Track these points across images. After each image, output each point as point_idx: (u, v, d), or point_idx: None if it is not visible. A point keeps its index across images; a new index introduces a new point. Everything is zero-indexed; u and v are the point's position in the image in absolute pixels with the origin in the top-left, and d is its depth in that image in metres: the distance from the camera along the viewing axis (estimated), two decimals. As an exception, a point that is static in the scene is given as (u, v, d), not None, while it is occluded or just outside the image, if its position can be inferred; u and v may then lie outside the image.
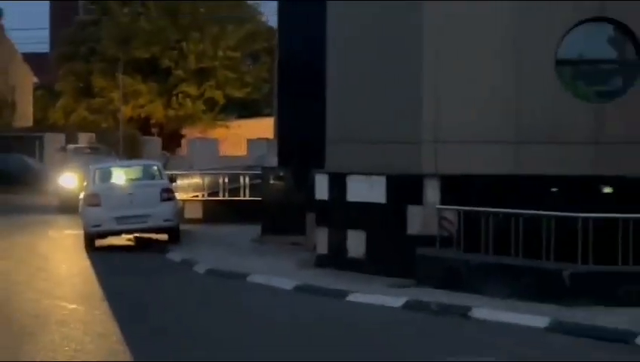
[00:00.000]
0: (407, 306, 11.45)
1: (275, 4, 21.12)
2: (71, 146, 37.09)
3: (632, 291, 10.94)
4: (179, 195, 21.35)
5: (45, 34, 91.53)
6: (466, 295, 11.67)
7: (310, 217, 15.82)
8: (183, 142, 51.58)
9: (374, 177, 13.70)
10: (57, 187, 29.01)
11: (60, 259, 17.14)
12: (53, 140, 42.87)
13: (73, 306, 11.80)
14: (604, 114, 13.09)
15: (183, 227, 19.60)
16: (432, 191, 13.17)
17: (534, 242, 11.70)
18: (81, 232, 18.75)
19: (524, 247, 11.86)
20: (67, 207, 25.21)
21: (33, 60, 59.52)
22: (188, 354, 9.27)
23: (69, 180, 27.62)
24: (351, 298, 12.05)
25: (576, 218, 11.33)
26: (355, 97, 14.24)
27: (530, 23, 13.05)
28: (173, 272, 15.32)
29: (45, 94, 59.32)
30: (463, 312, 10.89)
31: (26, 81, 55.99)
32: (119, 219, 17.97)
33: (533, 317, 10.33)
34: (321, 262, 14.53)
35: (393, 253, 13.29)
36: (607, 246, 11.12)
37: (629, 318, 10.07)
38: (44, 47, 77.18)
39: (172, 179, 21.14)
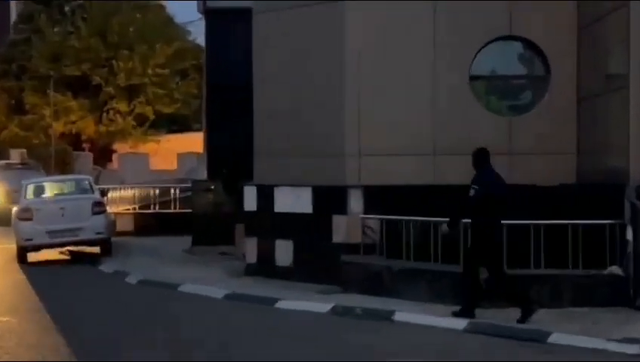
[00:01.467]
0: (334, 311, 11.39)
1: (202, 23, 20.95)
2: (2, 162, 36.51)
3: (542, 292, 10.99)
4: (110, 208, 21.08)
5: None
6: (389, 299, 11.70)
7: (239, 228, 15.75)
8: (114, 156, 51.15)
9: (301, 188, 13.71)
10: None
11: (-7, 272, 16.70)
12: (-17, 156, 42.01)
13: (6, 318, 11.48)
14: (516, 126, 13.29)
15: (114, 239, 19.32)
16: (355, 201, 13.24)
17: (454, 248, 11.70)
18: (13, 245, 18.34)
19: (443, 253, 11.92)
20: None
21: (-37, 78, 58.33)
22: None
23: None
24: (280, 305, 11.97)
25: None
26: (281, 115, 14.16)
27: (445, 42, 13.19)
28: (105, 284, 15.06)
29: (-24, 111, 58.22)
30: (387, 316, 10.89)
31: (-44, 98, 54.63)
32: (51, 233, 17.66)
33: (453, 320, 10.35)
34: (251, 271, 14.46)
35: (320, 260, 13.28)
36: (521, 249, 11.20)
37: (538, 317, 10.07)
38: (-26, 65, 75.79)
39: (103, 193, 20.87)
